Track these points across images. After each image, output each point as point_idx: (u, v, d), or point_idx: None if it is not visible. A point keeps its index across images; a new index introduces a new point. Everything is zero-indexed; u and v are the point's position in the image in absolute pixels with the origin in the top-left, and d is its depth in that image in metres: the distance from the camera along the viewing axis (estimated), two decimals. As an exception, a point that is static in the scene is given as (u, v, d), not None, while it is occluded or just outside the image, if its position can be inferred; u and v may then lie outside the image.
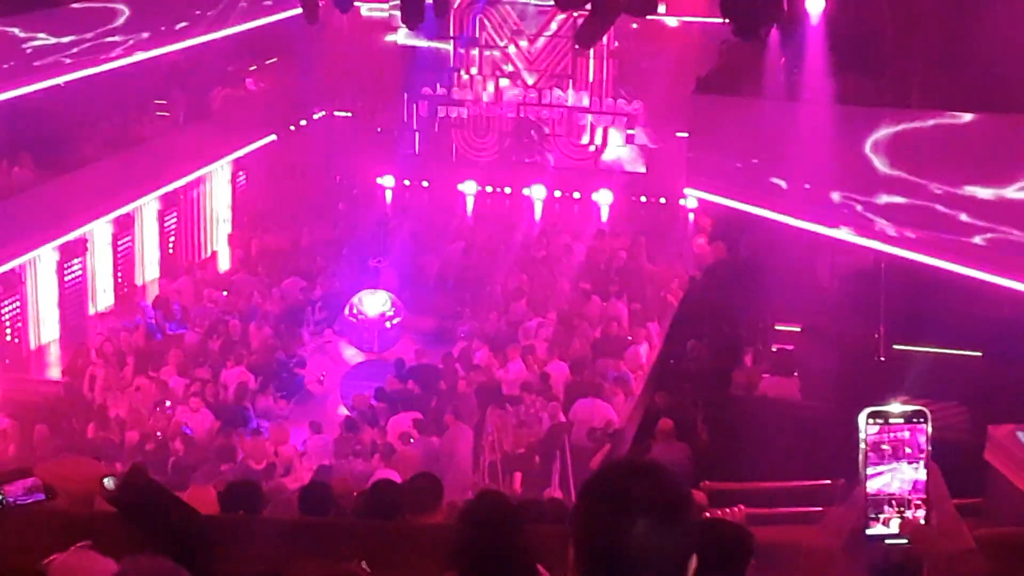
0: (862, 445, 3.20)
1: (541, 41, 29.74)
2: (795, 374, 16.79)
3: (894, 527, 3.20)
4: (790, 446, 13.05)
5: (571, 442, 17.28)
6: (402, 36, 30.25)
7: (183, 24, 25.07)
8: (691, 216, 26.86)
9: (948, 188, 16.02)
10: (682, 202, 27.06)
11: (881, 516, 3.20)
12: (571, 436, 17.38)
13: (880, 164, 16.61)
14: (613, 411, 17.69)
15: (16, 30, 21.05)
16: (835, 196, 17.24)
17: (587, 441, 17.00)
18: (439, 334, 22.21)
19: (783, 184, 18.24)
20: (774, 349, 17.97)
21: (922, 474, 3.21)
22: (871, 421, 3.20)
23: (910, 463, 3.21)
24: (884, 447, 3.21)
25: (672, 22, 28.32)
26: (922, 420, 3.21)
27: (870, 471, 3.20)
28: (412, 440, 16.89)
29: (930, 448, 3.21)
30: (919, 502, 3.20)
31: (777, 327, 18.58)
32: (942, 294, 16.15)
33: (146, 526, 4.98)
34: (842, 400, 14.41)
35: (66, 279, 23.86)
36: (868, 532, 3.20)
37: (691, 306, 20.10)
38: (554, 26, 29.48)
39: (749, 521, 8.01)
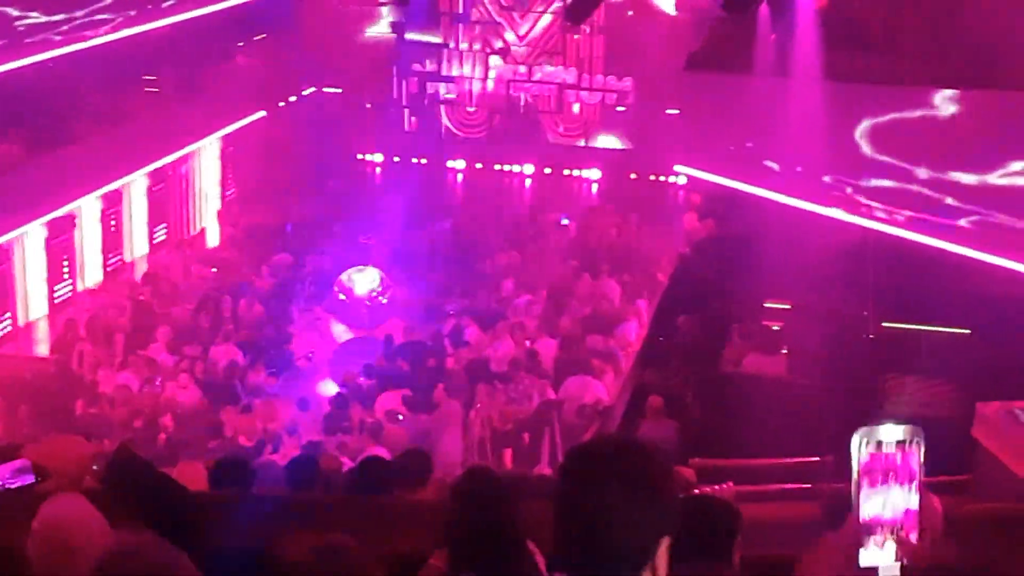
0: (855, 472, 3.18)
1: (531, 18, 29.62)
2: (783, 351, 16.80)
3: (889, 551, 3.19)
4: (780, 423, 13.07)
5: (561, 419, 17.25)
6: (385, 27, 30.08)
7: (171, 0, 24.97)
8: (681, 193, 26.84)
9: (934, 173, 16.09)
10: (672, 179, 27.04)
11: (874, 541, 3.19)
12: (561, 413, 17.35)
13: (868, 149, 16.65)
14: (603, 388, 17.67)
15: (11, 10, 20.93)
16: (826, 177, 17.27)
17: (577, 418, 16.99)
18: (429, 311, 22.14)
19: (773, 162, 18.25)
20: (764, 326, 17.97)
21: (915, 499, 3.20)
22: (864, 444, 3.18)
23: (902, 486, 3.20)
24: (876, 472, 3.19)
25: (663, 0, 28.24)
26: (914, 444, 3.19)
27: (863, 497, 3.18)
28: (400, 418, 16.88)
29: (923, 472, 3.20)
30: (912, 527, 3.19)
31: (767, 304, 18.59)
32: (932, 273, 16.20)
33: (134, 503, 4.97)
34: (832, 378, 14.44)
35: (54, 255, 23.77)
36: (862, 563, 3.19)
37: (681, 283, 20.10)
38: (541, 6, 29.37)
39: (738, 498, 8.01)
